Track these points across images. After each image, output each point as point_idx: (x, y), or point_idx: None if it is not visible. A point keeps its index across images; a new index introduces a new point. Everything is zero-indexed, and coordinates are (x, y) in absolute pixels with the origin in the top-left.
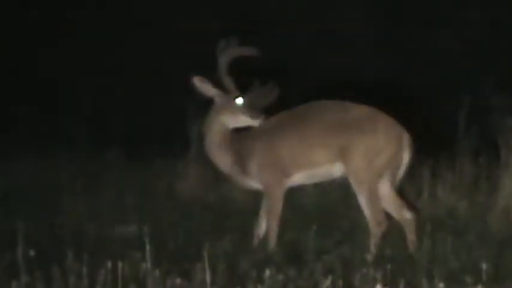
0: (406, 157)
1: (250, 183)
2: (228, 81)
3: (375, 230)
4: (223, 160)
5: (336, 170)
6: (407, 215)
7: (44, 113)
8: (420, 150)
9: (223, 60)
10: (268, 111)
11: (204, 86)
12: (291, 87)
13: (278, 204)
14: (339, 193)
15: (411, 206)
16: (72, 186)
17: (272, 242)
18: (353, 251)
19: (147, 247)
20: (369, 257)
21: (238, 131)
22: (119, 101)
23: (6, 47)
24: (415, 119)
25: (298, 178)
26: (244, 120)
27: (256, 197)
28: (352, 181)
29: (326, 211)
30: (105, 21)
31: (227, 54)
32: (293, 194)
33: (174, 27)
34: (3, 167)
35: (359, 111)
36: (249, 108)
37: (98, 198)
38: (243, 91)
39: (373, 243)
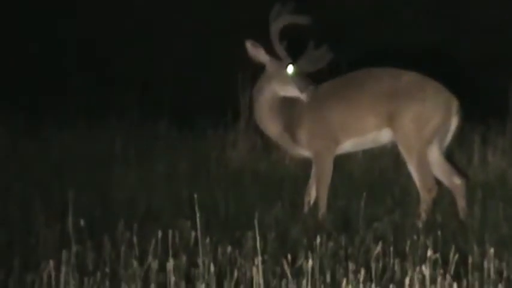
0: (454, 123)
1: (299, 150)
2: (279, 48)
3: (426, 196)
4: (272, 127)
5: (385, 136)
6: (457, 181)
7: (96, 83)
8: (470, 117)
9: (275, 27)
10: (319, 81)
11: (256, 51)
12: (341, 55)
13: (328, 172)
14: (389, 160)
15: (461, 172)
16: (124, 156)
17: (322, 209)
18: (404, 218)
19: (198, 216)
20: (420, 224)
21: (288, 98)
22: (169, 72)
23: (54, 19)
24: (465, 86)
25: (347, 145)
26: (293, 91)
27: (306, 165)
28: (402, 148)
29: (376, 178)
30: None
31: (279, 21)
32: (343, 162)
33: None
34: (56, 137)
35: (408, 78)
36: (300, 79)
37: (150, 169)
38: (295, 56)
39: (423, 209)
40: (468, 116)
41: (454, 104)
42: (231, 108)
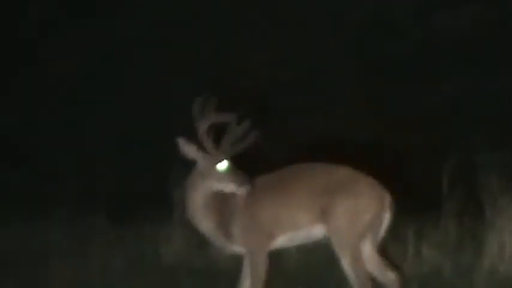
0: (387, 218)
1: (233, 247)
2: (209, 144)
3: None
4: (205, 224)
5: (318, 231)
6: (390, 276)
7: (29, 178)
8: (405, 211)
9: (202, 127)
10: (252, 175)
11: (188, 149)
12: (273, 147)
13: (262, 268)
14: (323, 255)
15: (394, 266)
16: (59, 252)
17: None
18: None
19: None
20: None
21: (221, 194)
22: (104, 165)
23: None
24: (399, 179)
25: (281, 240)
26: (229, 187)
27: (242, 261)
28: (335, 243)
29: (311, 273)
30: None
31: (205, 121)
32: (276, 256)
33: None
34: None
35: (341, 173)
36: (235, 174)
37: (85, 264)
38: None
39: None
40: (402, 210)
41: (387, 199)
42: (165, 203)
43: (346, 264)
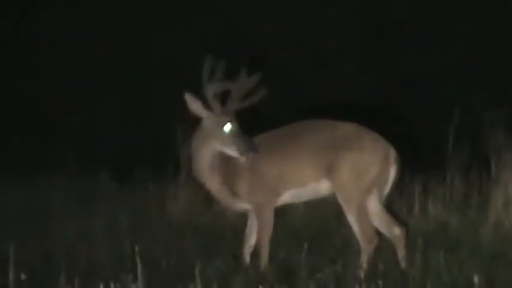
0: (392, 172)
1: (239, 204)
2: (216, 108)
3: (366, 246)
4: (212, 181)
5: (324, 187)
6: (396, 231)
7: (34, 138)
8: (411, 166)
9: (209, 92)
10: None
11: (194, 105)
12: (282, 106)
13: (269, 223)
14: (330, 211)
15: (401, 221)
16: (64, 210)
17: (264, 261)
18: (345, 269)
19: (139, 268)
20: (362, 274)
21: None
22: (109, 125)
23: None
24: (406, 136)
25: (287, 197)
26: (231, 152)
27: (247, 218)
28: (340, 199)
29: (317, 229)
30: (97, 45)
31: (211, 87)
32: (284, 213)
33: (165, 51)
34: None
35: (345, 129)
36: (239, 140)
37: (91, 222)
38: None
39: (364, 260)
40: (408, 166)
41: (392, 154)
42: (172, 161)
43: (351, 219)
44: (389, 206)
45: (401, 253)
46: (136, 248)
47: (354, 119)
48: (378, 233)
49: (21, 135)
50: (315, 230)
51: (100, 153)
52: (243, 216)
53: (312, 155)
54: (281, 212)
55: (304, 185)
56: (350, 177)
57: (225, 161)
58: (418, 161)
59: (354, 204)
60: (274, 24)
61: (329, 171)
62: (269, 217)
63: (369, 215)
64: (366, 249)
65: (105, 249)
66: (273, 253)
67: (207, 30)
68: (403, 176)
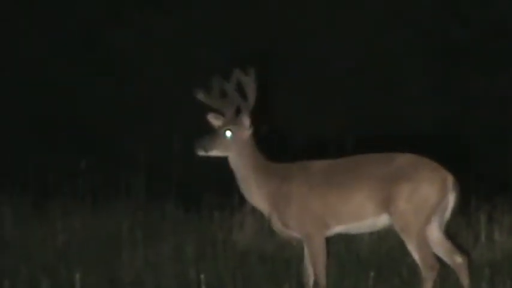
0: (451, 200)
1: (289, 232)
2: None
3: (428, 274)
4: (261, 205)
5: (381, 221)
6: (458, 259)
7: (100, 165)
8: (476, 195)
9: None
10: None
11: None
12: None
13: (322, 252)
14: (395, 239)
15: (463, 251)
16: (131, 237)
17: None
18: None
19: None
20: None
21: (274, 172)
22: (176, 151)
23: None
24: (471, 165)
25: (340, 230)
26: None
27: None
28: (399, 229)
29: (383, 258)
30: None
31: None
32: (350, 241)
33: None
34: (63, 220)
35: (401, 160)
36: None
37: (157, 250)
38: None
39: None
40: (474, 194)
41: (450, 181)
42: (237, 189)
43: (411, 247)
44: (454, 236)
45: (465, 282)
46: (202, 276)
47: (419, 147)
48: (442, 262)
49: (87, 159)
50: (381, 258)
51: (167, 180)
52: None
53: (369, 190)
54: (347, 240)
55: (361, 219)
56: (408, 208)
57: (274, 186)
58: (484, 189)
59: (413, 234)
60: (339, 47)
61: (386, 204)
62: (321, 246)
63: (428, 242)
64: (428, 277)
65: (171, 276)
66: (339, 282)
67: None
68: (469, 205)
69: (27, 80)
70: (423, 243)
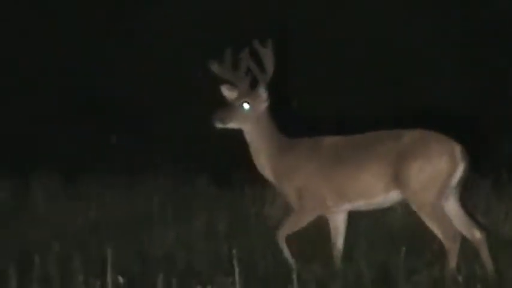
0: (461, 169)
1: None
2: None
3: (451, 246)
4: (267, 172)
5: (392, 198)
6: (477, 235)
7: (132, 140)
8: (508, 170)
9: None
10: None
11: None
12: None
13: (300, 224)
14: None
15: (484, 227)
16: (163, 213)
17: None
18: (443, 272)
19: (237, 272)
20: (460, 277)
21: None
22: (207, 128)
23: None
24: (496, 145)
25: (349, 207)
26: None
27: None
28: (415, 206)
29: (415, 232)
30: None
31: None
32: (381, 216)
33: None
34: (94, 195)
35: (409, 136)
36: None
37: (188, 225)
38: None
39: (452, 259)
40: (505, 169)
41: (458, 151)
42: None
43: (430, 223)
44: (485, 211)
45: (484, 256)
46: (234, 251)
47: (446, 127)
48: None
49: (119, 136)
50: (412, 232)
51: (198, 156)
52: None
53: (378, 167)
54: (377, 215)
55: (371, 197)
56: (420, 184)
57: (284, 159)
58: None
59: (429, 209)
60: (369, 29)
61: (397, 181)
62: (305, 220)
63: (446, 215)
64: (451, 249)
65: (203, 252)
66: (371, 256)
67: None
68: (500, 180)
69: (60, 59)
70: (441, 216)
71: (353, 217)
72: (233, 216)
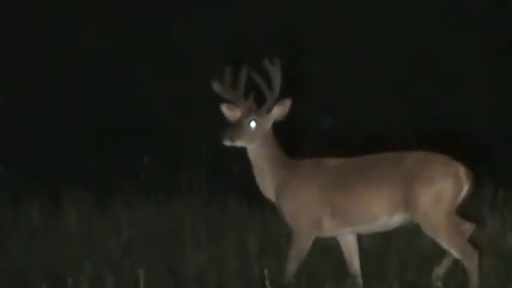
0: (465, 190)
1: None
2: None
3: (469, 263)
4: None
5: (396, 221)
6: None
7: (163, 162)
8: None
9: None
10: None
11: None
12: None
13: (302, 252)
14: None
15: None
16: (194, 234)
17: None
18: None
19: None
20: None
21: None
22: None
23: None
24: None
25: (351, 230)
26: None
27: (376, 238)
28: (426, 230)
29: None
30: None
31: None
32: (412, 235)
33: None
34: (126, 216)
35: (411, 159)
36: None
37: (220, 246)
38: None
39: (473, 277)
40: None
41: (462, 173)
42: None
43: (446, 245)
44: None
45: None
46: (266, 272)
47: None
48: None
49: (150, 156)
50: (444, 251)
51: (229, 176)
52: (373, 238)
53: (380, 192)
54: (408, 234)
55: (370, 221)
56: (428, 208)
57: (285, 179)
58: None
59: (441, 230)
60: (394, 39)
61: (404, 205)
62: (304, 245)
63: (459, 232)
64: (470, 266)
65: (234, 272)
66: (401, 276)
67: None
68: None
69: (88, 78)
70: (455, 235)
71: (385, 236)
72: (264, 236)
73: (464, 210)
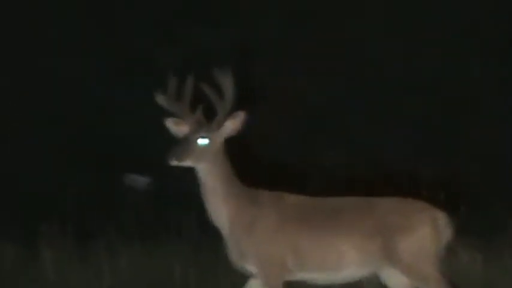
0: (446, 236)
1: (246, 265)
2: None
3: None
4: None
5: (364, 272)
6: None
7: (149, 202)
8: None
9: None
10: None
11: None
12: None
13: None
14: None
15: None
16: (184, 280)
17: None
18: None
19: None
20: None
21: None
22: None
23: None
24: None
25: (307, 277)
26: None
27: None
28: (414, 280)
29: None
30: None
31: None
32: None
33: None
34: (111, 261)
35: (384, 207)
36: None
37: None
38: None
39: None
40: None
41: (442, 219)
42: None
43: None
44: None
45: None
46: None
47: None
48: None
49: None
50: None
51: None
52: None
53: (352, 242)
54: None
55: (338, 270)
56: (412, 257)
57: (242, 208)
58: None
59: (431, 279)
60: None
61: (385, 257)
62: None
63: (446, 277)
64: None
65: None
66: None
67: None
68: None
69: (77, 112)
70: (441, 281)
71: None
72: None
73: None
